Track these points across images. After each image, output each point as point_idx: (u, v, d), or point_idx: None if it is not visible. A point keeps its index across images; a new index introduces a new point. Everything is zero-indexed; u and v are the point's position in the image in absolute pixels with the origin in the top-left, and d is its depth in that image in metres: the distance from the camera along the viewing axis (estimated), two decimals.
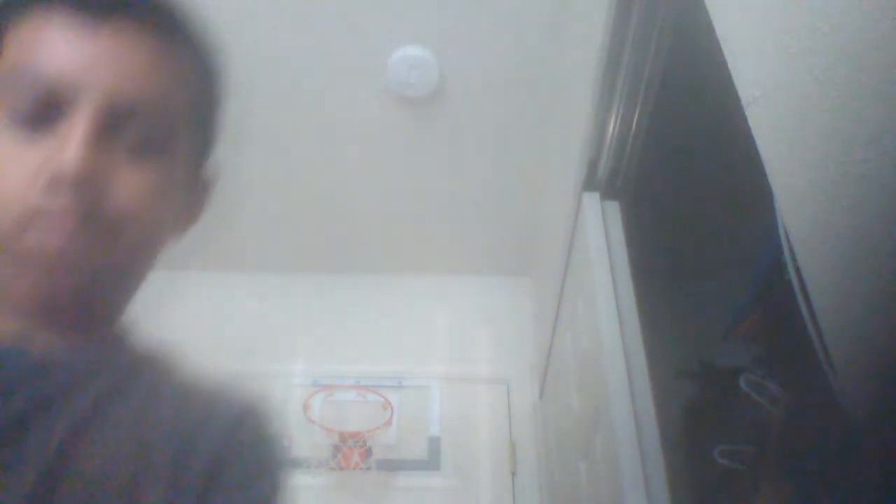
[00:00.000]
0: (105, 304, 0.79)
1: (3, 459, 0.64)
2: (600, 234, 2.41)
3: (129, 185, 0.75)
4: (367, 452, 3.33)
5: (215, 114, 0.90)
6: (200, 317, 3.63)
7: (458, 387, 3.60)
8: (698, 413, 2.36)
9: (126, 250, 0.75)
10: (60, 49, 0.75)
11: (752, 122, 1.09)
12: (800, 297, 1.19)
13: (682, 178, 2.62)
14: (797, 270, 1.15)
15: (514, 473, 3.39)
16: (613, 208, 2.49)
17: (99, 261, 0.73)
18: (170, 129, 0.79)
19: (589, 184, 2.52)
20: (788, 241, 1.16)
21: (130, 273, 0.80)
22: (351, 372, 3.60)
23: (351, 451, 3.32)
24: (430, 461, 3.41)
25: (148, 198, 0.76)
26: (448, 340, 3.74)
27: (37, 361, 0.71)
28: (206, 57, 0.88)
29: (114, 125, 0.74)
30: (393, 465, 3.38)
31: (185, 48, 0.84)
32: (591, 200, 2.51)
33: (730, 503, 2.13)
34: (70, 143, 0.71)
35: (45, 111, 0.73)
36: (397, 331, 3.78)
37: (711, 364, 2.45)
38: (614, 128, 2.33)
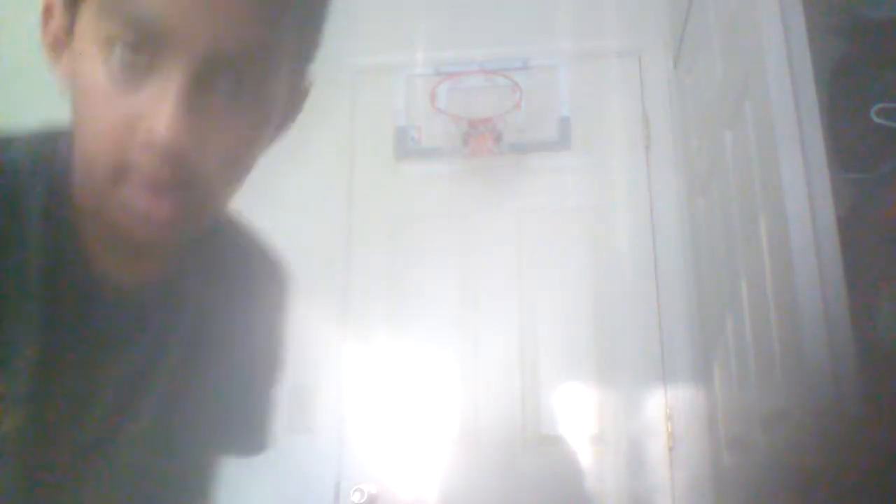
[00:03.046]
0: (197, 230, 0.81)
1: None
2: None
3: (225, 138, 0.73)
4: (498, 137, 3.30)
5: (321, 24, 0.84)
6: None
7: (586, 63, 3.47)
8: (852, 72, 2.16)
9: (218, 202, 0.80)
10: None
11: None
12: None
13: None
14: None
15: (648, 148, 3.30)
16: None
17: (191, 220, 0.75)
18: (272, 70, 0.75)
19: None
20: None
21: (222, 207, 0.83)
22: (474, 56, 3.50)
23: (483, 136, 3.29)
24: (561, 141, 3.37)
25: (243, 146, 0.76)
26: (574, 12, 3.50)
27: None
28: None
29: (212, 76, 0.71)
30: (523, 148, 3.34)
31: None
32: None
33: (889, 165, 1.99)
34: (164, 107, 0.68)
35: (139, 53, 0.69)
36: (519, 5, 3.56)
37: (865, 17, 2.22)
38: None
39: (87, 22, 0.72)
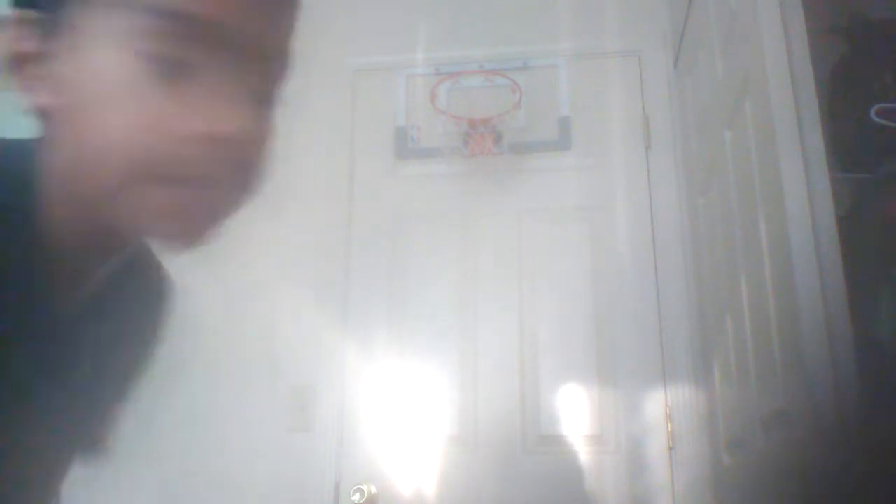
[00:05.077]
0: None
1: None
2: None
3: (262, 136, 0.75)
4: (498, 137, 3.31)
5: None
6: None
7: (586, 63, 3.47)
8: (852, 72, 2.14)
9: (249, 197, 0.77)
10: None
11: None
12: None
13: None
14: None
15: (648, 148, 3.31)
16: None
17: (221, 218, 0.74)
18: (289, 66, 0.78)
19: None
20: None
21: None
22: (474, 56, 3.50)
23: (483, 137, 3.30)
24: (561, 141, 3.38)
25: (271, 144, 0.77)
26: (574, 12, 3.52)
27: None
28: None
29: (256, 74, 0.73)
30: (524, 148, 3.35)
31: None
32: None
33: (889, 165, 2.00)
34: (228, 104, 0.70)
35: (181, 48, 0.68)
36: (519, 5, 3.56)
37: (864, 17, 2.21)
38: None
39: (104, 17, 0.69)
